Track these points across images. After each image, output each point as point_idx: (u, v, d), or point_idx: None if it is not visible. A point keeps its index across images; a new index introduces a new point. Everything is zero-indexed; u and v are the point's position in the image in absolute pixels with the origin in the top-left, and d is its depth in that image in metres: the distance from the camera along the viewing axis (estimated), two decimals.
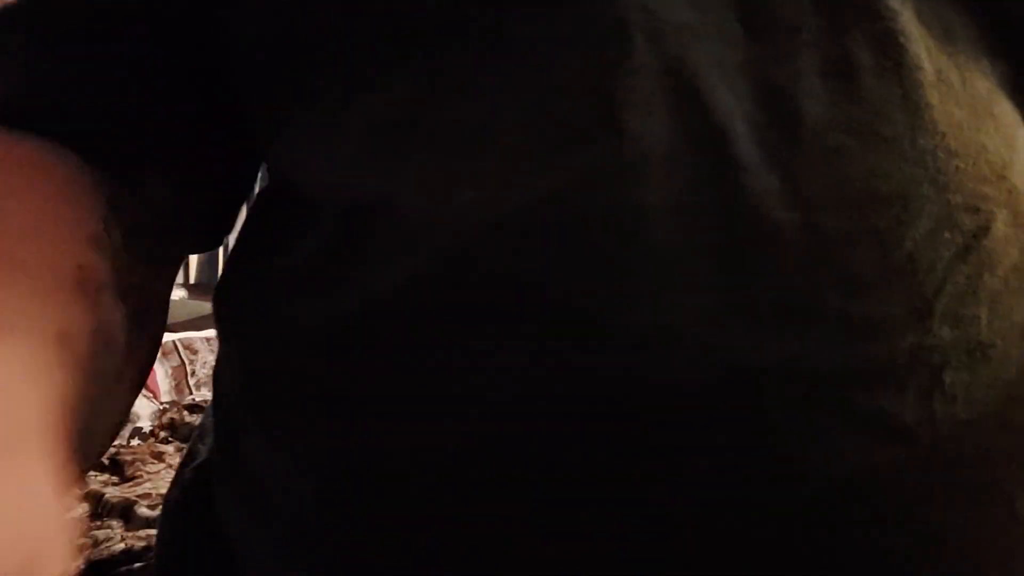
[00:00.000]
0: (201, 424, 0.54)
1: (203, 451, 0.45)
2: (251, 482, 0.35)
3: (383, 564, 0.30)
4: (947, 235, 0.27)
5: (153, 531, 0.98)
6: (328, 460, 0.32)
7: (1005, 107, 0.31)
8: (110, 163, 0.37)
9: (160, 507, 1.07)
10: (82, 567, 0.83)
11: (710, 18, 0.27)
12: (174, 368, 1.34)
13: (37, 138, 0.37)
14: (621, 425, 0.26)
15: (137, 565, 0.89)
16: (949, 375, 0.26)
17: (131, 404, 0.42)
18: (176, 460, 1.15)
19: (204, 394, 1.30)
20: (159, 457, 1.16)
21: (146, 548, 0.92)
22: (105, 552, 0.92)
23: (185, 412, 1.19)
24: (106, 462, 1.03)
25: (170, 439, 1.19)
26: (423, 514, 0.28)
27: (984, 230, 0.27)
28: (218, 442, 0.40)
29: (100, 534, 0.93)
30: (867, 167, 0.27)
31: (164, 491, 1.09)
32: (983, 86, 0.30)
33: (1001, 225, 0.28)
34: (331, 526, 0.31)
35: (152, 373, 1.08)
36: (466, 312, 0.28)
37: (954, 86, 0.29)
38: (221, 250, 0.53)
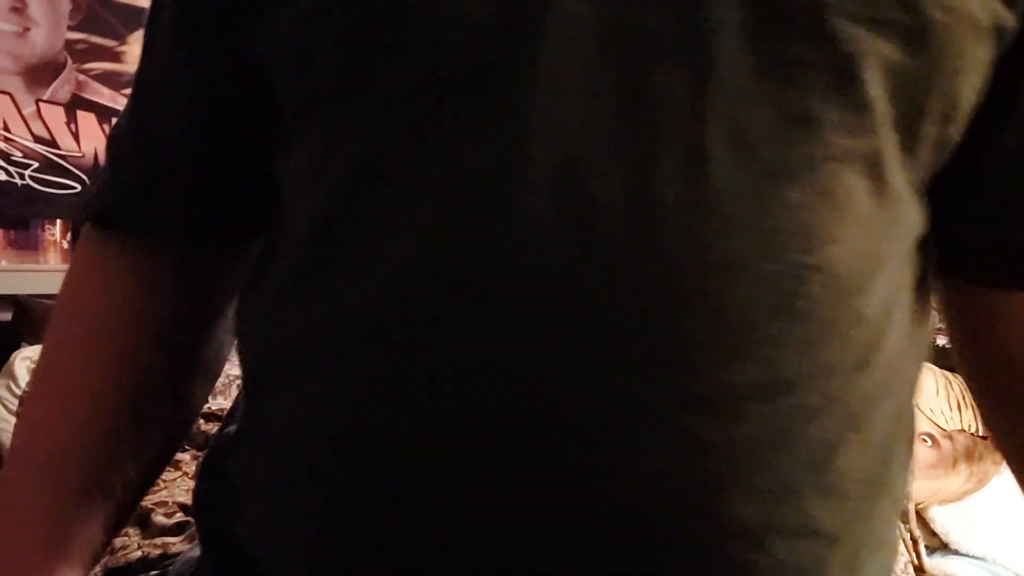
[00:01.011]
0: (233, 404, 0.58)
1: (231, 425, 0.50)
2: (261, 443, 0.41)
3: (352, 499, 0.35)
4: (765, 296, 0.31)
5: (169, 538, 0.99)
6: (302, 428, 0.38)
7: (849, 184, 0.33)
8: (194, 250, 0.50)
9: (176, 515, 1.07)
10: (99, 574, 0.84)
11: (598, 119, 0.32)
12: None
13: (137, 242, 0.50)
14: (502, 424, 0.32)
15: (154, 573, 0.89)
16: (750, 405, 0.31)
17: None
18: (192, 468, 1.16)
19: (220, 403, 1.30)
20: (175, 465, 1.17)
21: (162, 556, 0.93)
22: (122, 559, 0.93)
23: (201, 420, 1.20)
24: None
25: (186, 447, 1.19)
26: (382, 472, 0.34)
27: (799, 292, 0.32)
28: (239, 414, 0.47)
29: (117, 542, 0.94)
30: (704, 240, 0.31)
31: (181, 499, 1.10)
32: (830, 168, 0.33)
33: (816, 287, 0.32)
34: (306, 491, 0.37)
35: None
36: (396, 330, 0.34)
37: (794, 172, 0.32)
38: None
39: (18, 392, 1.90)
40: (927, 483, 1.59)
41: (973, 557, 1.56)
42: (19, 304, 2.08)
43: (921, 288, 0.40)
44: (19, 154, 2.23)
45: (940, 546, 1.59)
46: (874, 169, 0.33)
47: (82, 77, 2.34)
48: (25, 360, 1.93)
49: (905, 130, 0.34)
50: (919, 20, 0.33)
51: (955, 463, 1.61)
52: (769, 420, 0.32)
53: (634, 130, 0.31)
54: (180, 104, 0.45)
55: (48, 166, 2.28)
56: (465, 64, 0.33)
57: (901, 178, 0.35)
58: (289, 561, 0.37)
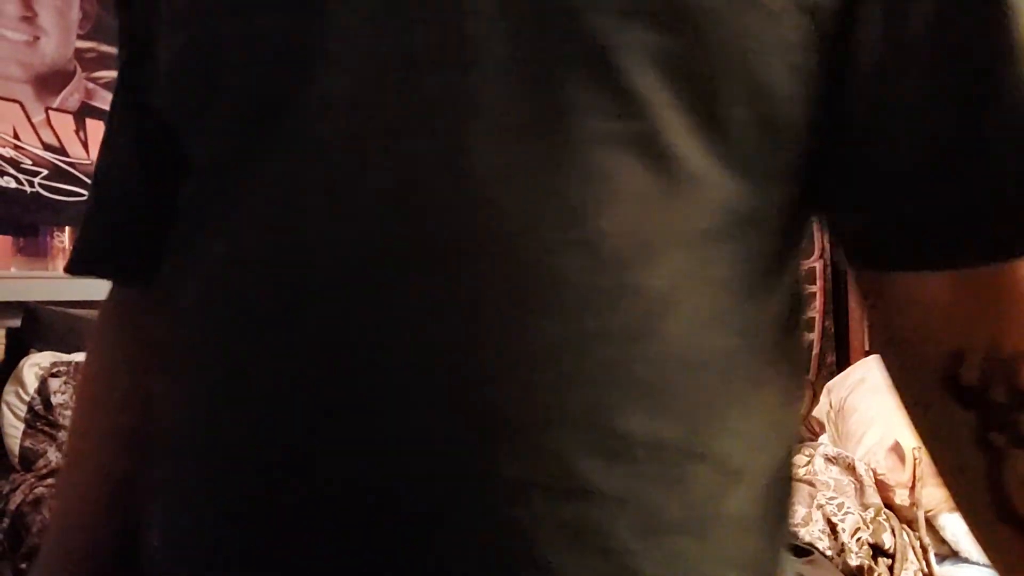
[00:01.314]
0: None
1: None
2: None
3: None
4: (526, 271, 0.34)
5: None
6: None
7: (618, 163, 0.35)
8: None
9: None
10: None
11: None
12: None
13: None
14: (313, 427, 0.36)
15: None
16: (516, 370, 0.34)
17: None
18: None
19: None
20: None
21: None
22: None
23: None
24: None
25: None
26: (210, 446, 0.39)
27: (560, 265, 0.34)
28: None
29: None
30: (466, 226, 0.35)
31: None
32: (594, 150, 0.35)
33: (579, 260, 0.34)
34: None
35: None
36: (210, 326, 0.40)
37: (556, 157, 0.34)
38: None
39: (26, 398, 1.90)
40: (937, 490, 1.58)
41: (983, 565, 1.54)
42: (28, 311, 2.09)
43: (758, 264, 0.39)
44: (29, 162, 2.24)
45: (950, 554, 1.58)
46: (650, 149, 0.35)
47: (91, 85, 2.35)
48: (34, 367, 1.94)
49: (697, 111, 0.35)
50: (678, 7, 0.34)
51: None
52: (531, 385, 0.34)
53: (408, 136, 0.35)
54: (126, 160, 0.53)
55: (57, 174, 2.29)
56: (263, 94, 0.39)
57: (701, 158, 0.36)
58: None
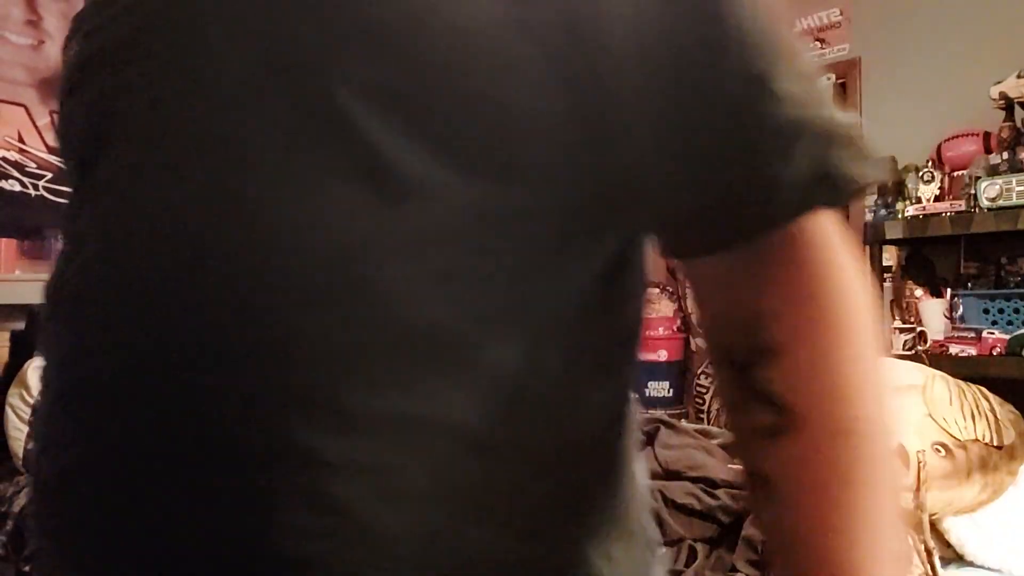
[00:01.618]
0: None
1: None
2: None
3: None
4: (237, 275, 0.40)
5: None
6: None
7: (342, 187, 0.39)
8: None
9: None
10: None
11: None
12: None
13: None
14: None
15: None
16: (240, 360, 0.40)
17: None
18: None
19: None
20: None
21: None
22: None
23: None
24: None
25: None
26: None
27: (273, 267, 0.40)
28: None
29: None
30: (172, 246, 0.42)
31: None
32: (317, 176, 0.40)
33: (294, 260, 0.39)
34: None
35: None
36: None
37: (276, 181, 0.40)
38: None
39: (31, 401, 1.91)
40: (941, 493, 1.58)
41: (988, 569, 1.54)
42: (32, 313, 2.09)
43: (511, 253, 0.41)
44: (33, 165, 2.24)
45: (955, 557, 1.58)
46: (373, 174, 0.39)
47: None
48: (38, 369, 1.94)
49: (420, 132, 0.40)
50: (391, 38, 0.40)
51: (969, 473, 1.60)
52: (268, 368, 0.39)
53: (152, 188, 0.42)
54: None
55: (62, 177, 2.30)
56: (78, 156, 0.49)
57: (425, 168, 0.39)
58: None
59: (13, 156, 2.20)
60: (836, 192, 0.42)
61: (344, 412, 0.38)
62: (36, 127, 2.27)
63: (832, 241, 0.43)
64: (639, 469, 0.50)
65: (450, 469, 0.39)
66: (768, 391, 0.42)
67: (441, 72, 0.39)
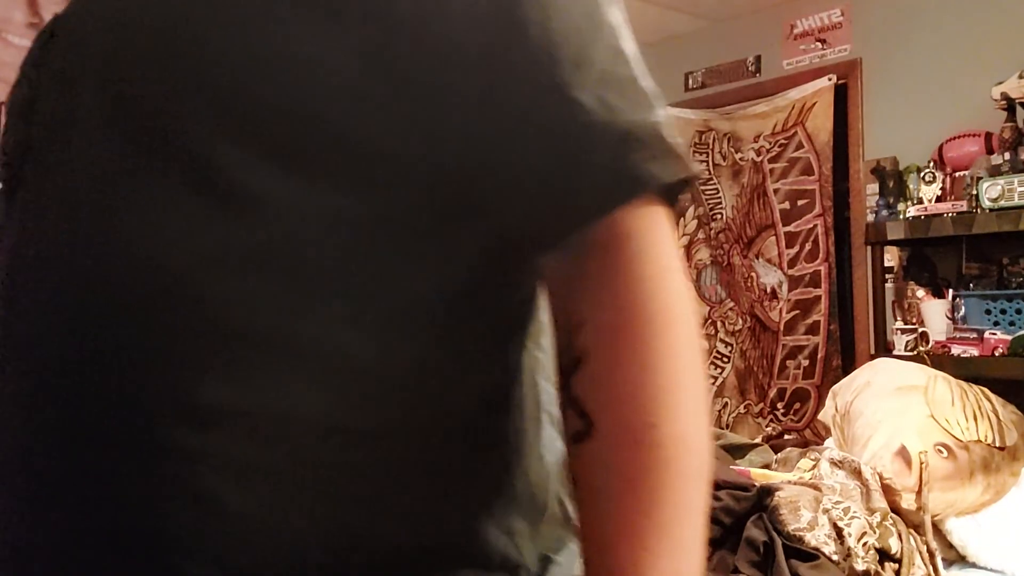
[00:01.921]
0: None
1: None
2: None
3: None
4: (128, 289, 0.45)
5: None
6: None
7: (172, 193, 0.44)
8: None
9: None
10: None
11: None
12: None
13: None
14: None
15: None
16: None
17: None
18: None
19: None
20: None
21: None
22: None
23: None
24: None
25: None
26: None
27: (149, 282, 0.45)
28: None
29: None
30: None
31: None
32: (148, 188, 0.45)
33: (162, 281, 0.44)
34: None
35: None
36: None
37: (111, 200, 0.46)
38: None
39: None
40: (943, 495, 1.58)
41: (990, 570, 1.53)
42: None
43: (360, 257, 0.44)
44: None
45: (957, 558, 1.58)
46: (215, 191, 0.43)
47: None
48: None
49: (271, 151, 0.44)
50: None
51: (972, 474, 1.60)
52: (130, 369, 0.44)
53: (47, 221, 0.48)
54: None
55: None
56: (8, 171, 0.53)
57: (269, 184, 0.43)
58: None
59: None
60: (630, 193, 0.42)
61: (203, 408, 0.43)
62: None
63: (653, 246, 0.43)
64: (550, 448, 0.51)
65: (307, 456, 0.43)
66: (575, 397, 0.43)
67: (279, 95, 0.43)
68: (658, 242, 0.44)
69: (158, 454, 0.43)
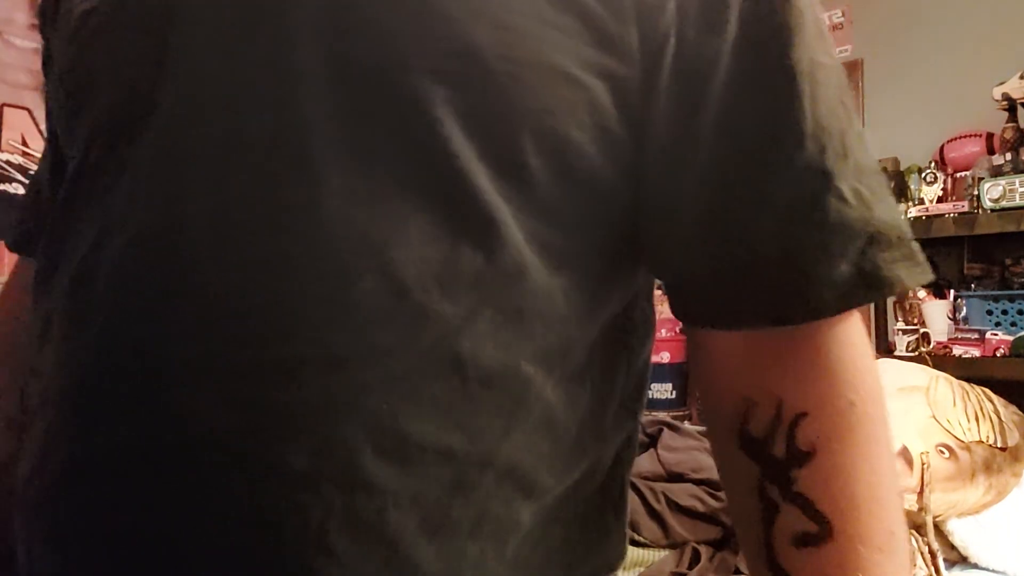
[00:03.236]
0: None
1: None
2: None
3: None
4: (318, 289, 0.38)
5: None
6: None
7: (415, 202, 0.39)
8: None
9: None
10: None
11: None
12: None
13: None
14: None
15: None
16: (304, 375, 0.38)
17: None
18: None
19: None
20: None
21: None
22: None
23: None
24: None
25: None
26: None
27: (352, 287, 0.38)
28: None
29: None
30: (267, 247, 0.39)
31: None
32: (394, 191, 0.39)
33: (369, 283, 0.38)
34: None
35: None
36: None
37: (356, 193, 0.38)
38: None
39: None
40: (945, 495, 1.57)
41: (992, 571, 1.53)
42: None
43: (568, 297, 0.42)
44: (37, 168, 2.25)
45: (959, 560, 1.57)
46: (451, 192, 0.39)
47: None
48: None
49: (498, 162, 0.39)
50: (479, 71, 0.39)
51: (973, 475, 1.59)
52: (321, 388, 0.38)
53: (223, 166, 0.39)
54: (45, 162, 0.62)
55: None
56: (111, 120, 0.44)
57: (500, 204, 0.39)
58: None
59: (17, 159, 2.21)
60: (875, 294, 0.41)
61: (406, 442, 0.38)
62: (40, 130, 2.27)
63: (861, 343, 0.43)
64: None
65: (494, 509, 0.40)
66: (805, 496, 0.41)
67: (526, 108, 0.39)
68: (864, 334, 0.43)
69: (355, 488, 0.37)
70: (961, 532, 1.57)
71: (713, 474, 1.50)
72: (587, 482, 0.44)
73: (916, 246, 0.43)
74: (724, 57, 0.41)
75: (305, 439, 0.37)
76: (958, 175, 2.56)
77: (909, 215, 2.58)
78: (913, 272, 0.42)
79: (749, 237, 0.42)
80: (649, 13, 0.40)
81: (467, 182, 0.39)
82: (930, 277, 0.42)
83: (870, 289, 0.41)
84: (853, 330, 0.42)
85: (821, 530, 0.41)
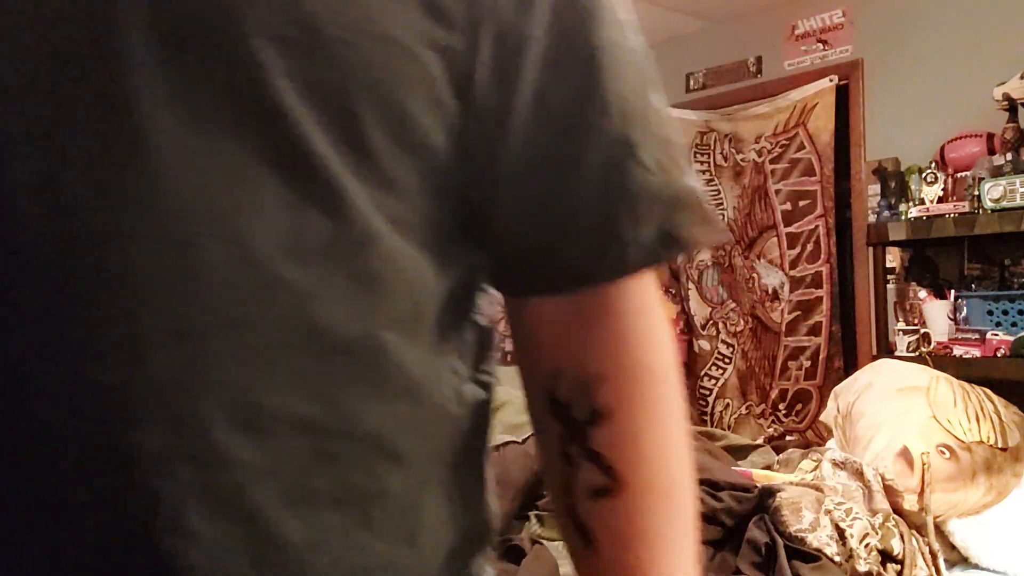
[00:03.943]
0: None
1: None
2: None
3: None
4: (165, 260, 0.36)
5: None
6: None
7: (260, 170, 0.38)
8: None
9: None
10: None
11: None
12: None
13: None
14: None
15: None
16: (151, 351, 0.37)
17: None
18: None
19: None
20: None
21: None
22: None
23: None
24: None
25: None
26: None
27: (200, 258, 0.37)
28: None
29: None
30: (108, 218, 0.37)
31: None
32: (237, 158, 0.37)
33: (218, 254, 0.37)
34: None
35: None
36: None
37: (195, 159, 0.37)
38: None
39: None
40: (946, 496, 1.57)
41: (992, 571, 1.53)
42: None
43: (415, 265, 0.43)
44: None
45: (960, 560, 1.57)
46: (293, 162, 0.38)
47: None
48: None
49: (339, 130, 0.39)
50: (316, 39, 0.38)
51: (974, 475, 1.59)
52: (172, 364, 0.37)
53: (59, 131, 0.37)
54: None
55: None
56: None
57: (344, 173, 0.39)
58: None
59: None
60: (675, 252, 0.46)
61: (263, 415, 0.38)
62: None
63: (656, 313, 0.47)
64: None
65: (356, 478, 0.40)
66: (600, 453, 0.45)
67: (362, 78, 0.39)
68: (657, 296, 0.47)
69: (209, 463, 0.37)
70: (962, 532, 1.57)
71: (713, 474, 1.49)
72: (449, 449, 0.45)
73: (709, 208, 0.47)
74: (536, 34, 0.43)
75: (158, 419, 0.36)
76: (958, 175, 2.56)
77: (910, 215, 2.58)
78: (707, 232, 0.47)
79: (565, 204, 0.44)
80: None
81: (310, 151, 0.38)
82: (721, 235, 0.46)
83: (671, 248, 0.46)
84: (649, 300, 0.46)
85: (612, 484, 0.45)
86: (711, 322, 3.63)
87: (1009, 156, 2.35)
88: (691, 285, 3.64)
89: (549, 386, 0.46)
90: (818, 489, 1.44)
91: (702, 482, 1.49)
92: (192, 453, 0.37)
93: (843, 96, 3.11)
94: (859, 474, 1.51)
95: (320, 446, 0.39)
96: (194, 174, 0.37)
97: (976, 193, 2.36)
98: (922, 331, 2.53)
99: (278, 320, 0.38)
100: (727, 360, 3.61)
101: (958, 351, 2.37)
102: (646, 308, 0.46)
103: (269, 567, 0.38)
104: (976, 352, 2.33)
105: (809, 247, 3.26)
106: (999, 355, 2.30)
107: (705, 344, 3.66)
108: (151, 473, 0.36)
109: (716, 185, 3.58)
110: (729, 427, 3.51)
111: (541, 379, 0.47)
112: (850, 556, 1.29)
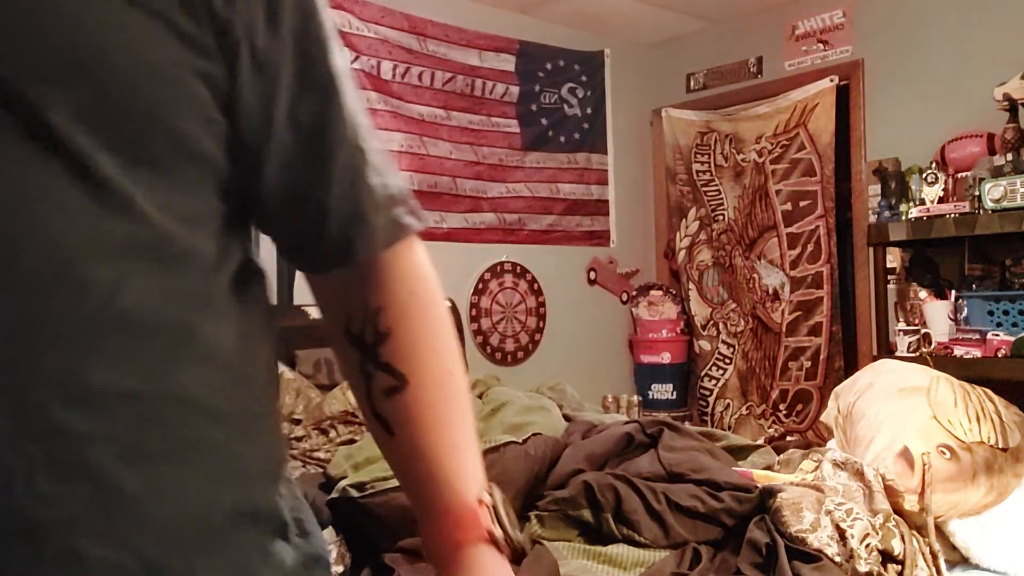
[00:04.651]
0: None
1: None
2: None
3: None
4: None
5: None
6: None
7: (49, 181, 0.45)
8: None
9: None
10: None
11: None
12: None
13: None
14: None
15: None
16: None
17: None
18: None
19: None
20: None
21: None
22: None
23: None
24: None
25: None
26: None
27: (16, 259, 0.44)
28: None
29: None
30: None
31: None
32: (24, 170, 0.44)
33: (22, 249, 0.44)
34: None
35: None
36: None
37: (13, 180, 0.44)
38: None
39: None
40: (946, 496, 1.57)
41: (993, 571, 1.53)
42: None
43: (205, 252, 0.51)
44: None
45: (960, 560, 1.57)
46: (86, 178, 0.45)
47: None
48: None
49: (128, 150, 0.47)
50: (92, 79, 0.45)
51: (974, 476, 1.59)
52: (4, 353, 0.43)
53: None
54: None
55: None
56: None
57: (131, 185, 0.46)
58: None
59: None
60: (400, 235, 0.60)
61: (91, 390, 0.45)
62: None
63: (418, 260, 0.62)
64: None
65: (186, 435, 0.49)
66: (387, 363, 0.60)
67: (136, 104, 0.46)
68: (421, 256, 0.63)
69: (51, 437, 0.44)
70: (962, 532, 1.57)
71: (714, 475, 1.49)
72: (255, 403, 0.54)
73: (414, 201, 0.61)
74: (286, 59, 0.53)
75: (1, 405, 0.43)
76: (959, 175, 2.56)
77: (910, 216, 2.58)
78: (415, 221, 0.61)
79: (322, 203, 0.56)
80: (221, 24, 0.50)
81: (99, 171, 0.45)
82: (421, 224, 0.62)
83: (397, 231, 0.59)
84: (410, 252, 0.61)
85: (399, 382, 0.60)
86: (712, 322, 3.63)
87: (1009, 156, 2.35)
88: (692, 285, 3.64)
89: (345, 324, 0.61)
90: (819, 489, 1.44)
91: (702, 482, 1.49)
92: (36, 431, 0.44)
93: (843, 96, 3.11)
94: (860, 474, 1.51)
95: (146, 412, 0.47)
96: (11, 197, 0.44)
97: (976, 193, 2.36)
98: (923, 331, 2.53)
99: (91, 312, 0.45)
100: (727, 360, 3.61)
101: (959, 351, 2.37)
102: (407, 261, 0.61)
103: (117, 515, 0.46)
104: (977, 352, 2.33)
105: (810, 247, 3.26)
106: (1000, 355, 2.30)
107: (706, 344, 3.65)
108: (4, 451, 0.43)
109: (716, 185, 3.58)
110: (729, 427, 3.51)
111: (338, 321, 0.61)
112: (851, 556, 1.29)
